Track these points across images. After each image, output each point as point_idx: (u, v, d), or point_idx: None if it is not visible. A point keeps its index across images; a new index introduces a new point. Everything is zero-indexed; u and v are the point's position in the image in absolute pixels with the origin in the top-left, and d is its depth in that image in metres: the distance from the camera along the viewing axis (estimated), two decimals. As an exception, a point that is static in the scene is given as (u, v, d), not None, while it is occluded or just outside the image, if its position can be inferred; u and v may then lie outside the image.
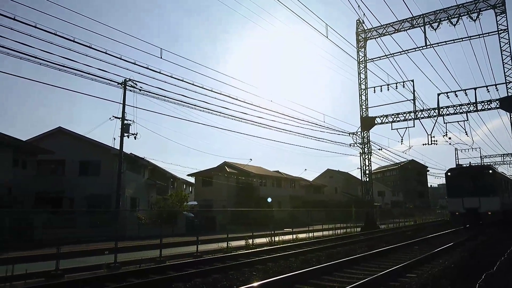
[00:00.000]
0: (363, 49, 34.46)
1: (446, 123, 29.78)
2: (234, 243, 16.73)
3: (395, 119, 31.69)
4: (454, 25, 28.55)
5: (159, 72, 17.17)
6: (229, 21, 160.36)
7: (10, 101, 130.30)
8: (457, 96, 28.74)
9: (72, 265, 10.95)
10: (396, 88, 30.73)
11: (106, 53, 14.94)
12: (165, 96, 19.14)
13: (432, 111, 30.26)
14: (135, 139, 26.46)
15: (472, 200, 23.58)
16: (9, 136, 26.05)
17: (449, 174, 26.18)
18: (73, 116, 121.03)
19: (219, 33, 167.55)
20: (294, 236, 20.90)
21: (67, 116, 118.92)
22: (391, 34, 31.77)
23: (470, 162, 30.03)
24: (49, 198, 27.00)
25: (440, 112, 29.74)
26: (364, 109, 33.87)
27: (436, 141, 30.85)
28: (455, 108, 29.36)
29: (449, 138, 31.18)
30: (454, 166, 34.35)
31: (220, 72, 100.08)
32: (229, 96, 20.58)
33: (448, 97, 28.96)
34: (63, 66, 14.64)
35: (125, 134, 26.06)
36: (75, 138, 31.30)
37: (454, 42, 29.81)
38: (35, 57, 13.65)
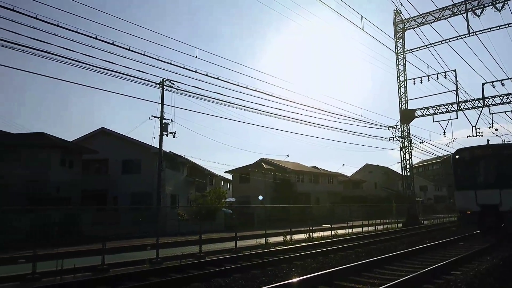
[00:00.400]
0: (401, 40, 33.44)
1: (492, 113, 28.38)
2: (272, 239, 16.78)
3: (436, 111, 30.52)
4: (500, 10, 27.02)
5: (194, 71, 17.46)
6: (264, 18, 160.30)
7: (56, 104, 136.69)
8: (503, 85, 27.27)
9: (116, 260, 11.40)
10: (437, 79, 29.55)
11: (143, 55, 15.37)
12: (201, 95, 19.49)
13: (477, 101, 28.89)
14: (173, 137, 27.00)
15: (490, 193, 16.15)
16: (56, 137, 27.48)
17: (457, 157, 18.13)
18: (113, 117, 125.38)
19: (253, 31, 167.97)
20: (333, 232, 20.68)
21: (108, 116, 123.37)
22: (431, 23, 30.56)
23: (488, 140, 18.83)
24: (94, 196, 28.21)
25: (486, 103, 28.33)
26: (404, 102, 32.89)
27: (482, 133, 29.21)
28: (501, 97, 27.89)
29: (496, 130, 29.58)
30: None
31: (255, 69, 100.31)
32: (265, 93, 20.67)
33: (494, 87, 27.52)
34: (104, 68, 15.22)
35: (164, 133, 26.68)
36: (117, 138, 32.52)
37: (499, 29, 28.28)
38: (78, 61, 14.27)
